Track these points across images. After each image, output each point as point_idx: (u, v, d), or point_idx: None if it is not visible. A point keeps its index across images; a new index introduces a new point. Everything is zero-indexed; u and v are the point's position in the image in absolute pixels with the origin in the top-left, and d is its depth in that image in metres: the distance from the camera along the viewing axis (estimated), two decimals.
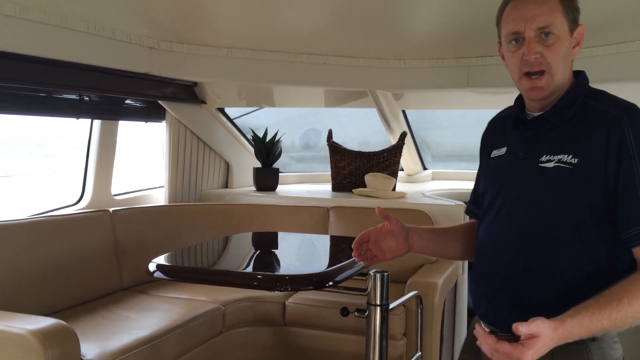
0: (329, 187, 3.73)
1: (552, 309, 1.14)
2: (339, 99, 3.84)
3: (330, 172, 3.69)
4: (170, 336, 2.42)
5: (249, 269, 2.35)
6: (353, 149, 3.66)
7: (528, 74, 1.21)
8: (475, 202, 1.47)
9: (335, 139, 3.71)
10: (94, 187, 3.22)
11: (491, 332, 1.20)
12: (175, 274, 2.16)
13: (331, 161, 3.65)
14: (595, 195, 1.17)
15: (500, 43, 1.30)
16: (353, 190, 3.53)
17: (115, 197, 3.40)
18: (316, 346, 2.78)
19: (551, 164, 1.21)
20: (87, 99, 3.04)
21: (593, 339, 1.20)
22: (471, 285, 1.38)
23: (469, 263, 1.43)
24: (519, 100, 1.34)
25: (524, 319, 1.13)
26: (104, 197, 3.29)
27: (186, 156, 3.67)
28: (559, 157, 1.20)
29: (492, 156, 1.36)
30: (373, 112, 3.67)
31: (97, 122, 3.18)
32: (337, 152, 3.62)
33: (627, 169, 1.15)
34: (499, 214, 1.29)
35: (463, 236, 1.50)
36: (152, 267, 2.09)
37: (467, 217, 1.61)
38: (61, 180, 3.64)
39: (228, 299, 2.80)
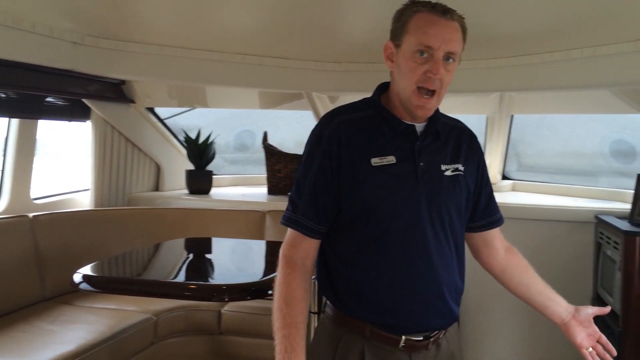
0: (264, 190, 3.67)
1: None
2: (274, 100, 3.79)
3: (265, 175, 3.63)
4: (98, 350, 2.29)
5: (183, 279, 2.26)
6: (289, 151, 3.61)
7: (420, 90, 1.26)
8: (320, 218, 1.31)
9: (270, 140, 3.65)
10: (11, 190, 3.00)
11: (425, 339, 1.33)
12: (104, 285, 2.04)
13: (267, 164, 3.59)
14: (469, 200, 1.38)
15: (395, 44, 1.29)
16: (289, 194, 3.49)
17: (36, 202, 3.18)
18: (254, 355, 2.72)
19: (450, 172, 1.34)
20: (3, 96, 2.83)
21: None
22: (387, 301, 1.29)
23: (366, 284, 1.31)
24: (380, 104, 1.34)
25: (451, 313, 1.36)
26: (23, 201, 3.07)
27: (113, 157, 3.49)
28: (455, 165, 1.35)
29: (374, 165, 1.28)
30: (309, 114, 3.64)
31: (15, 121, 2.96)
32: (273, 155, 3.57)
33: (485, 172, 1.44)
34: (417, 224, 1.28)
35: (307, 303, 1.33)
36: (77, 277, 1.97)
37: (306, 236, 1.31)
38: None
39: (159, 308, 2.69)
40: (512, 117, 3.35)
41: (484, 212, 1.44)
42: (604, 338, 1.42)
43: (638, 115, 3.01)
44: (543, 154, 3.47)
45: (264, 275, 2.21)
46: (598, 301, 2.63)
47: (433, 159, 1.33)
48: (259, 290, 1.88)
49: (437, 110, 1.36)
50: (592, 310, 1.43)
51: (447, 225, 1.32)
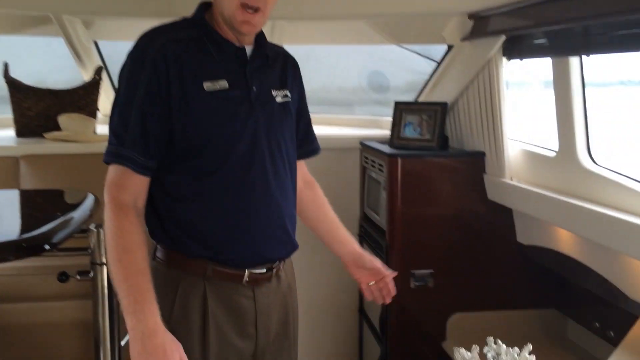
0: (12, 132, 3.12)
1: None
2: (13, 24, 3.18)
3: (11, 115, 3.08)
4: None
5: None
6: (39, 86, 3.10)
7: (245, 6, 1.20)
8: (150, 151, 1.19)
9: (13, 73, 3.08)
10: None
11: (267, 271, 1.33)
12: None
13: (12, 101, 3.03)
14: (295, 125, 1.41)
15: None
16: (45, 134, 3.03)
17: None
18: (26, 321, 2.37)
19: (280, 99, 1.33)
20: None
21: None
22: (228, 235, 1.25)
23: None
24: (207, 24, 1.27)
25: (292, 242, 1.37)
26: None
27: None
28: (283, 91, 1.34)
29: (207, 89, 1.21)
30: (60, 42, 3.16)
31: None
32: (20, 90, 3.03)
33: (305, 100, 1.47)
34: (256, 152, 1.25)
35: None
36: None
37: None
38: None
39: None
40: None
41: (303, 140, 1.47)
42: (387, 282, 1.52)
43: (390, 47, 3.30)
44: (311, 86, 3.61)
45: (25, 230, 1.90)
46: (365, 220, 2.92)
47: (264, 83, 1.29)
48: (34, 245, 1.59)
49: (264, 35, 1.34)
50: (378, 267, 1.52)
51: (283, 152, 1.31)
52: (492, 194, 2.51)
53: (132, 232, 1.16)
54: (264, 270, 1.32)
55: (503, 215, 2.57)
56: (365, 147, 2.93)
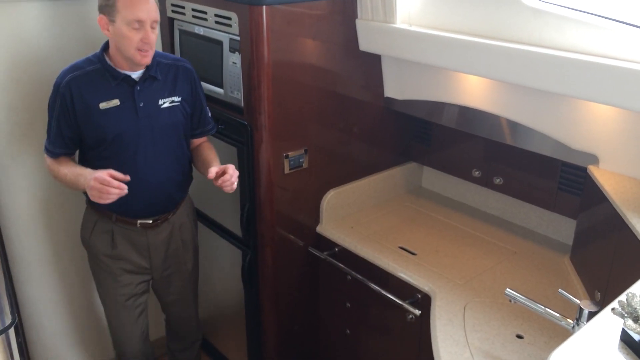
0: None
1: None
2: None
3: None
4: None
5: None
6: None
7: (140, 49, 1.69)
8: (65, 144, 1.81)
9: None
10: None
11: (154, 221, 1.94)
12: None
13: None
14: (188, 118, 1.91)
15: (109, 19, 1.67)
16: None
17: None
18: None
19: (167, 104, 1.83)
20: None
21: None
22: (124, 199, 1.70)
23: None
24: (104, 59, 1.77)
25: (175, 200, 1.98)
26: None
27: None
28: (170, 99, 1.84)
29: (101, 108, 1.75)
30: None
31: None
32: None
33: (199, 96, 1.94)
34: (140, 145, 1.80)
35: None
36: None
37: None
38: None
39: None
40: None
41: (198, 125, 1.97)
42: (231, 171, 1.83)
43: None
44: None
45: None
46: None
47: (151, 97, 1.81)
48: None
49: (154, 60, 1.79)
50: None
51: (165, 141, 1.85)
52: (368, 44, 2.06)
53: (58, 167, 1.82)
54: (150, 221, 1.92)
55: (372, 71, 2.18)
56: None
